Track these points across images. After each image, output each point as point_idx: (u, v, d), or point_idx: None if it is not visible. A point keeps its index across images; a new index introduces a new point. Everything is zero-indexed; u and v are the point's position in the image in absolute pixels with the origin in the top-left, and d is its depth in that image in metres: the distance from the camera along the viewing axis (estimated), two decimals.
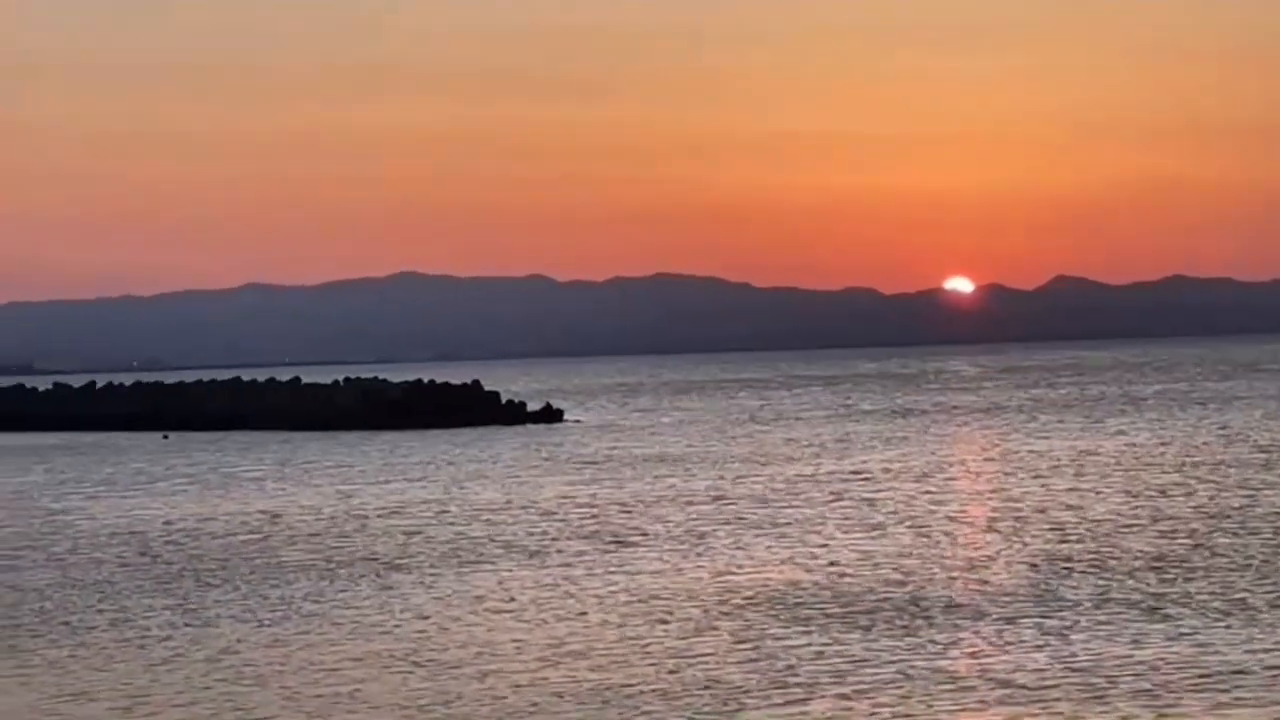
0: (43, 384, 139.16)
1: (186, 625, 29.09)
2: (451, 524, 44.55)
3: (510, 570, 34.97)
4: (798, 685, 22.51)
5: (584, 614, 28.85)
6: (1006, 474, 55.80)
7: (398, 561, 36.92)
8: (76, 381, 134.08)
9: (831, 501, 47.70)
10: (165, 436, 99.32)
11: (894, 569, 33.23)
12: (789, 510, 45.49)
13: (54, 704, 22.91)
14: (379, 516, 47.32)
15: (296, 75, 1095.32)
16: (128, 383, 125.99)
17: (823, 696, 21.72)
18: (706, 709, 21.31)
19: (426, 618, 29.08)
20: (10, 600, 33.00)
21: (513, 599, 30.94)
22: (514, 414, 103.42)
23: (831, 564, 34.32)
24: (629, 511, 46.51)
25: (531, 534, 41.58)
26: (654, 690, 22.45)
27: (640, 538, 40.07)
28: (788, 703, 21.48)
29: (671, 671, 23.60)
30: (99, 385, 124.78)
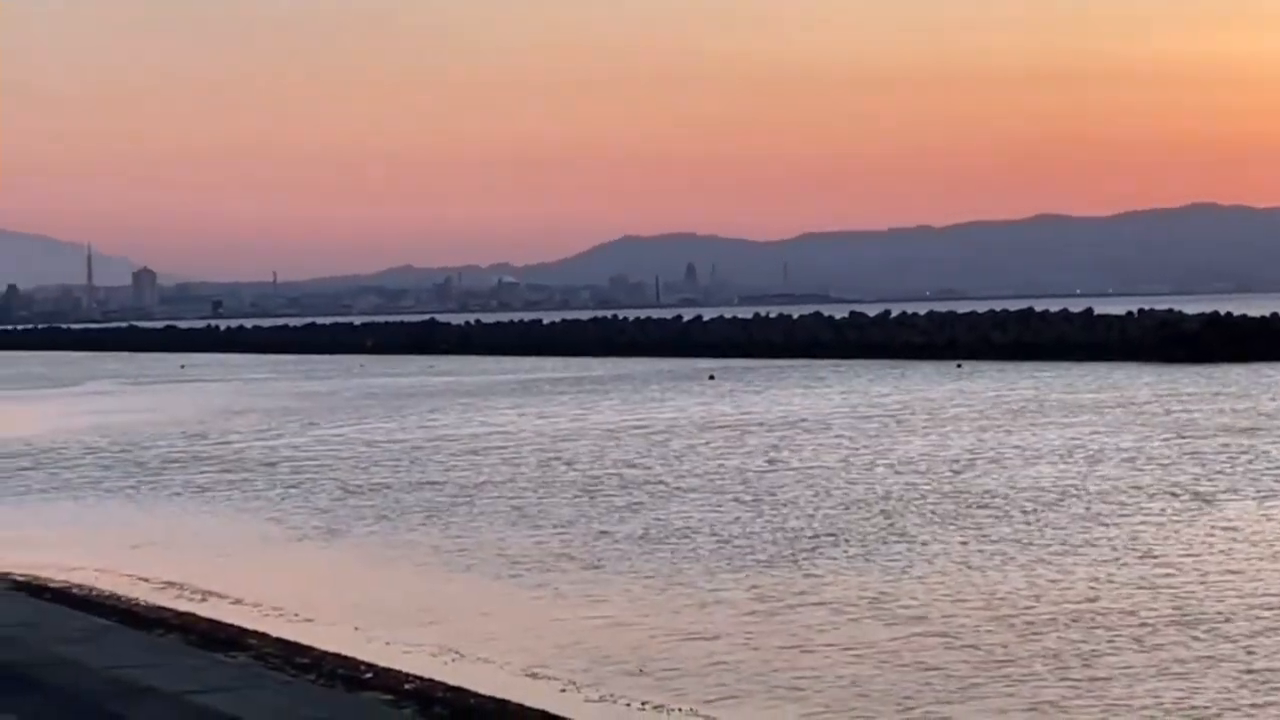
0: (838, 312, 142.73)
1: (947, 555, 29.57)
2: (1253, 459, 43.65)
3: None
4: None
5: None
6: None
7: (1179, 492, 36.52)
8: (871, 310, 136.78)
9: None
10: (959, 365, 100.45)
11: None
12: None
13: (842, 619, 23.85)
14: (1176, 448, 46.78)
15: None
16: (921, 311, 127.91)
17: None
18: None
19: (1153, 555, 28.79)
20: (843, 519, 34.27)
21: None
22: None
23: None
24: None
25: None
26: None
27: None
28: None
29: None
30: (893, 314, 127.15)
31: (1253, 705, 18.55)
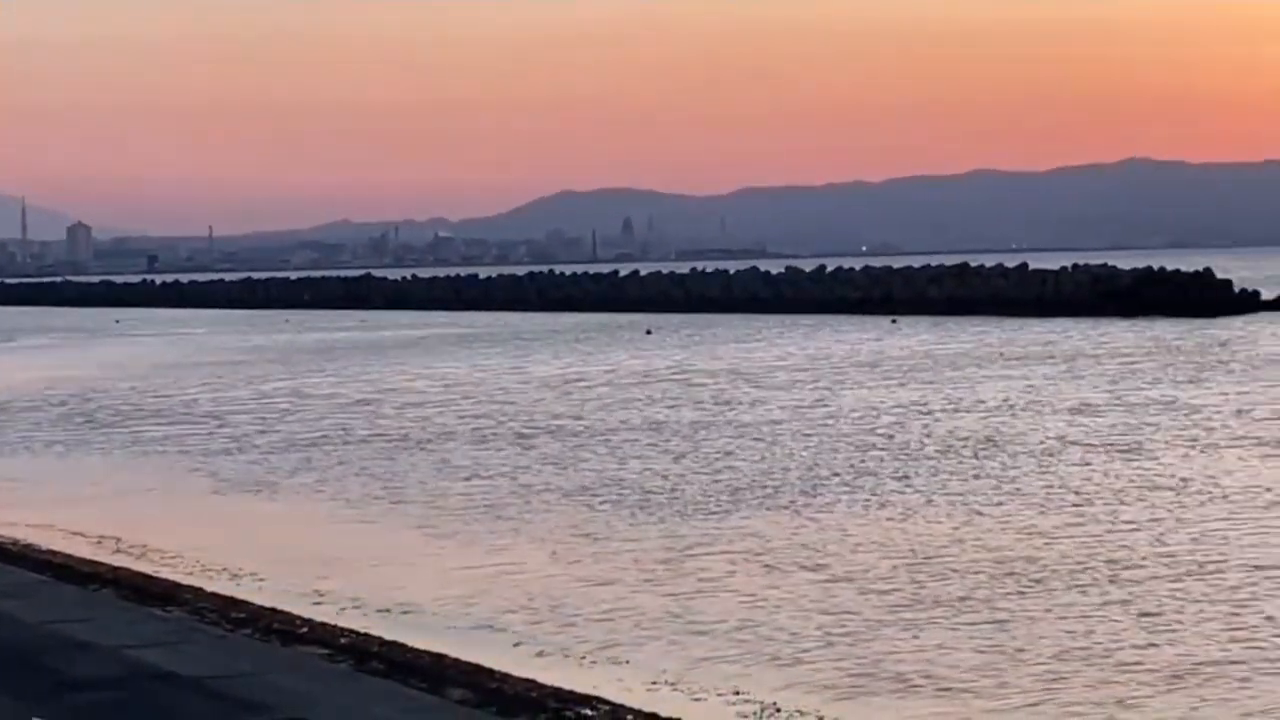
0: (774, 267, 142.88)
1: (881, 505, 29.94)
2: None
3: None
4: None
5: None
6: None
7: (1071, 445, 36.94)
8: (807, 266, 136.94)
9: None
10: (894, 320, 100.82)
11: None
12: None
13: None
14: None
15: None
16: (857, 267, 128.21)
17: None
18: None
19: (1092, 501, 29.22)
20: (775, 470, 34.57)
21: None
22: (1245, 303, 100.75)
23: None
24: None
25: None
26: None
27: None
28: None
29: None
30: (829, 269, 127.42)
31: (1147, 644, 19.10)
